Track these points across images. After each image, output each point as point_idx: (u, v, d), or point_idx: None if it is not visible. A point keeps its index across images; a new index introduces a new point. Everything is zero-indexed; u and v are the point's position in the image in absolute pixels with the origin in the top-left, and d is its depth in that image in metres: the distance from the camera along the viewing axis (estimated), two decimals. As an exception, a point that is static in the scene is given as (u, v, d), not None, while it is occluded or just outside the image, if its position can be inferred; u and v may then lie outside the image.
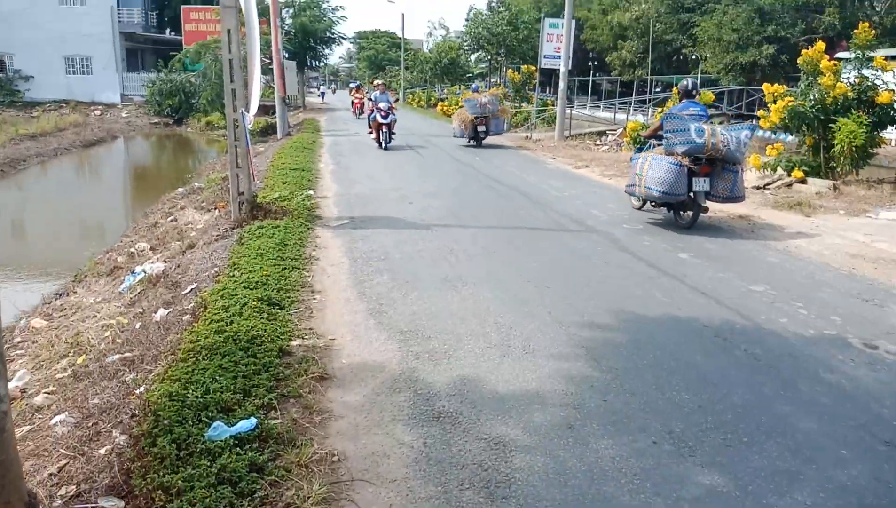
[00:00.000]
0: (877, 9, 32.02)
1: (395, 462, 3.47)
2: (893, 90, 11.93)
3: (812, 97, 12.39)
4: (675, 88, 12.10)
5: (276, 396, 4.06)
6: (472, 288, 6.31)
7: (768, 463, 3.49)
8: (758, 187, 12.10)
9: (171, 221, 11.38)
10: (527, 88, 32.17)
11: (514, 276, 6.76)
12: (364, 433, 3.77)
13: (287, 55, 31.19)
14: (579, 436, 3.72)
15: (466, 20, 38.35)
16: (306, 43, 40.68)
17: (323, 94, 61.30)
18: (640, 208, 10.14)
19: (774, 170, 12.61)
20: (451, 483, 3.28)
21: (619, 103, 35.94)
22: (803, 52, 13.18)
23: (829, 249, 7.98)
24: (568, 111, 24.34)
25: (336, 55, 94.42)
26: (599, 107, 40.16)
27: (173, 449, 3.38)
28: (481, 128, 19.40)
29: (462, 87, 45.62)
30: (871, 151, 12.10)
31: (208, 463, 3.27)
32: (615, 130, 23.44)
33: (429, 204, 10.57)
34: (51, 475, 3.51)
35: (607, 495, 3.22)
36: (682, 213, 9.10)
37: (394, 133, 18.80)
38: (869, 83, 12.20)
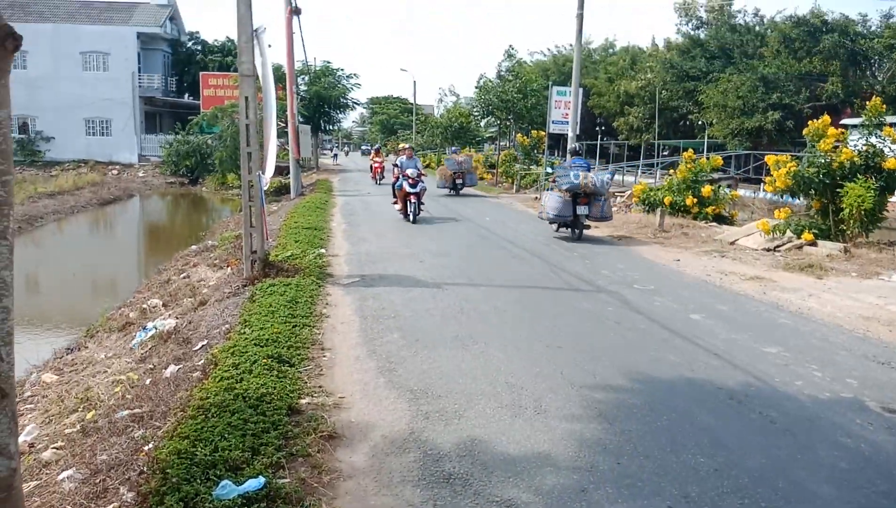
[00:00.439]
0: (878, 78, 32.55)
1: (405, 524, 3.41)
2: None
3: (817, 163, 12.59)
4: (686, 152, 17.04)
5: (285, 455, 4.02)
6: (483, 347, 6.28)
7: (787, 530, 3.41)
8: (768, 250, 12.10)
9: (184, 277, 11.45)
10: (536, 151, 32.64)
11: (525, 335, 6.73)
12: (373, 494, 3.71)
13: (302, 119, 31.88)
14: (593, 500, 3.64)
15: (476, 87, 39.14)
16: (321, 108, 41.59)
17: (336, 155, 62.33)
18: (549, 223, 14.14)
19: (783, 232, 12.65)
20: (463, 546, 3.21)
21: (626, 166, 36.34)
22: (810, 123, 13.48)
23: (842, 311, 7.92)
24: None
25: (349, 119, 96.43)
26: (607, 170, 40.56)
27: (181, 508, 3.34)
28: (459, 180, 24.30)
29: (472, 150, 46.30)
30: (880, 214, 12.20)
31: (216, 523, 3.22)
32: (623, 193, 23.63)
33: (439, 262, 10.62)
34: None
35: (622, 560, 3.14)
36: (574, 230, 13.52)
37: (423, 203, 16.36)
38: (876, 150, 12.42)
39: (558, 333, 6.83)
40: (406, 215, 15.95)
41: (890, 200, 12.70)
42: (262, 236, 9.19)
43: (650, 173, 32.79)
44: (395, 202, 16.60)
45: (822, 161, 12.55)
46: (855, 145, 12.79)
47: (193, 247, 15.09)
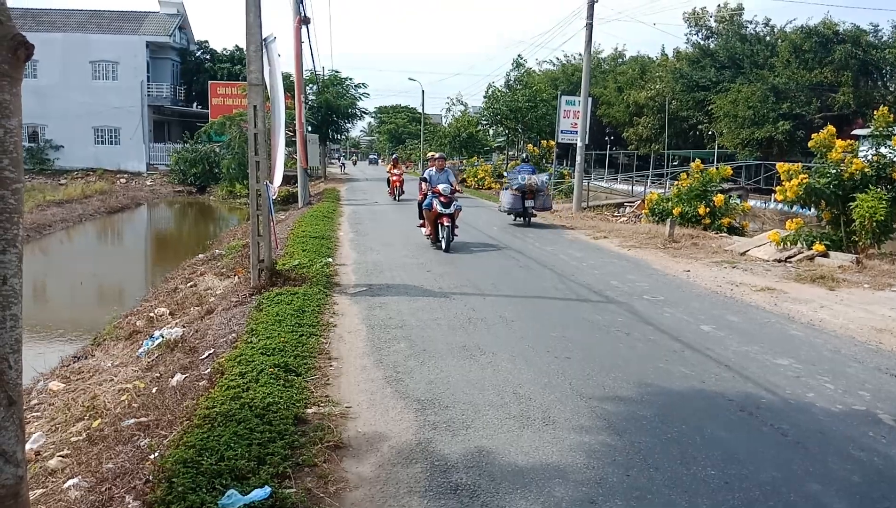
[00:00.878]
0: (890, 88, 32.42)
1: (412, 536, 3.37)
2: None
3: (827, 174, 12.52)
4: (694, 163, 18.74)
5: (291, 464, 3.99)
6: (491, 357, 6.24)
7: (801, 545, 3.35)
8: (779, 261, 12.02)
9: (191, 286, 11.47)
10: (545, 160, 32.66)
11: (534, 346, 6.69)
12: (379, 505, 3.67)
13: (310, 128, 31.99)
14: (602, 512, 3.60)
15: (485, 96, 39.24)
16: (329, 117, 41.79)
17: (343, 165, 62.60)
18: (507, 214, 18.19)
19: (795, 243, 12.57)
20: (470, 559, 3.16)
21: (636, 176, 36.26)
22: (814, 135, 13.44)
23: (854, 322, 7.84)
24: (585, 183, 24.58)
25: (357, 128, 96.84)
26: (616, 179, 40.54)
27: (186, 517, 3.31)
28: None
29: (480, 159, 46.41)
30: (892, 225, 12.10)
31: (221, 533, 3.19)
32: (633, 202, 23.57)
33: (446, 271, 10.59)
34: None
35: (632, 575, 3.09)
36: (524, 218, 17.61)
37: (457, 227, 13.42)
38: (887, 160, 12.34)
39: (567, 343, 6.78)
40: (436, 242, 13.11)
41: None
42: (269, 246, 9.20)
43: (660, 184, 32.73)
44: (422, 225, 13.68)
45: (834, 172, 12.49)
46: (865, 156, 12.72)
47: (200, 256, 15.13)
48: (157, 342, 7.57)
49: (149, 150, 46.35)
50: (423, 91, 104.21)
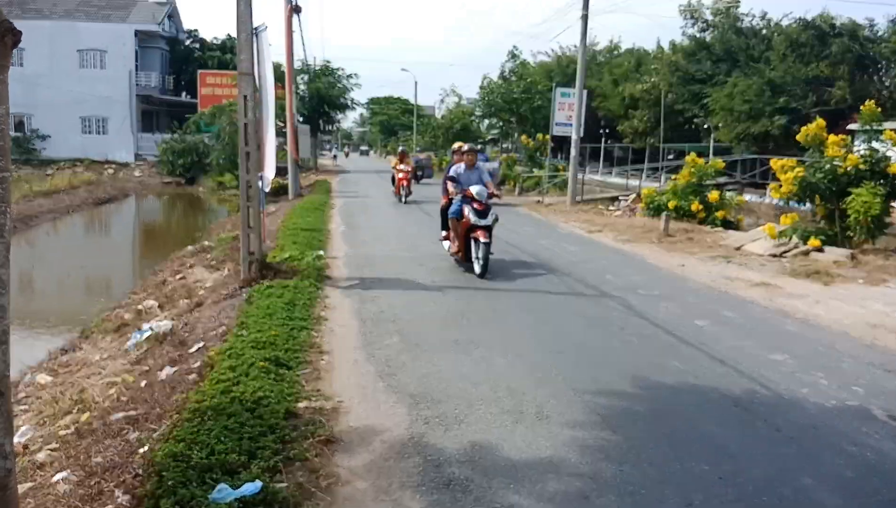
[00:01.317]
0: (886, 83, 32.47)
1: (404, 532, 3.33)
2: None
3: (822, 169, 12.51)
4: (688, 156, 17.79)
5: (282, 459, 3.94)
6: (484, 352, 6.21)
7: (795, 541, 3.33)
8: (774, 255, 12.02)
9: (180, 279, 11.38)
10: (539, 153, 32.59)
11: (528, 340, 6.66)
12: (371, 499, 3.64)
13: (301, 119, 31.83)
14: (595, 507, 3.57)
15: (480, 88, 39.15)
16: (320, 108, 41.59)
17: (335, 156, 62.38)
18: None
19: (790, 238, 12.57)
20: (463, 556, 3.13)
21: (631, 170, 36.23)
22: (803, 128, 13.43)
23: (848, 318, 7.84)
24: (580, 177, 24.55)
25: (349, 119, 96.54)
26: (611, 173, 40.54)
27: (176, 512, 3.27)
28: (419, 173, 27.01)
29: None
30: (886, 220, 12.12)
31: (210, 529, 3.15)
32: (628, 196, 23.57)
33: (439, 265, 10.54)
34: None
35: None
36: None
37: (490, 245, 9.60)
38: (880, 155, 12.33)
39: (561, 338, 6.76)
40: (466, 261, 10.05)
41: (895, 205, 12.63)
42: (259, 238, 9.12)
43: (655, 177, 32.72)
44: (447, 238, 10.69)
45: (829, 167, 12.48)
46: (859, 151, 12.71)
47: (189, 248, 15.00)
48: (145, 335, 7.49)
49: (137, 140, 45.90)
50: (415, 82, 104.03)
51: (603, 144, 45.77)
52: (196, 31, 55.04)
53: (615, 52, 53.76)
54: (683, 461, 4.13)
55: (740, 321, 7.64)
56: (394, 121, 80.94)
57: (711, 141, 35.78)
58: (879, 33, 31.87)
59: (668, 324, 7.39)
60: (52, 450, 4.76)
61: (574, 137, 22.71)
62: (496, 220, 9.85)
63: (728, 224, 16.87)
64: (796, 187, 12.77)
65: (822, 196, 12.68)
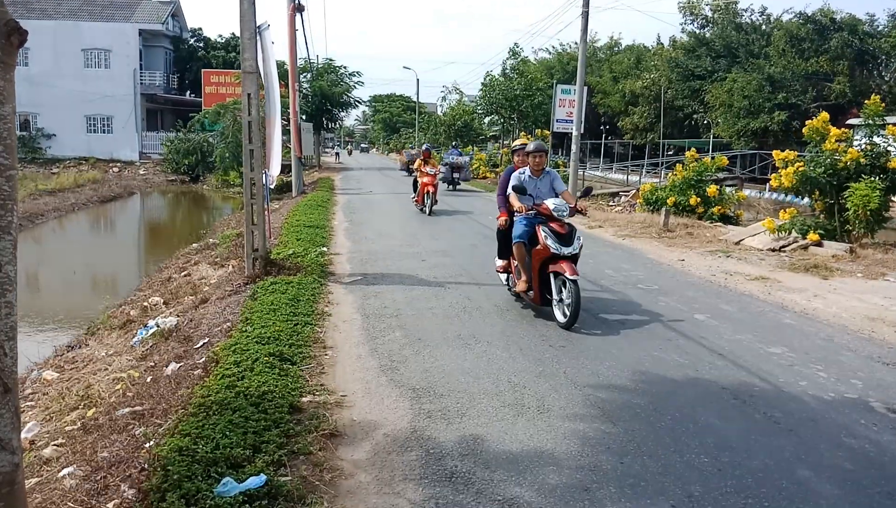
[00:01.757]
0: (885, 78, 32.38)
1: (407, 523, 3.38)
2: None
3: (822, 163, 12.53)
4: (689, 152, 18.23)
5: (286, 452, 4.00)
6: (486, 346, 6.26)
7: (793, 531, 3.38)
8: (773, 250, 12.05)
9: (185, 275, 11.44)
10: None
11: (529, 335, 6.70)
12: (374, 492, 3.69)
13: (304, 117, 31.83)
14: (595, 499, 3.62)
15: (483, 85, 39.12)
16: (323, 106, 41.56)
17: (338, 154, 62.39)
18: (442, 182, 21.38)
19: (789, 233, 12.60)
20: (465, 546, 3.18)
21: (631, 166, 36.21)
22: (808, 122, 13.44)
23: (847, 311, 7.88)
24: (580, 173, 24.55)
25: (352, 117, 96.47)
26: (612, 169, 40.50)
27: (182, 505, 3.33)
28: (412, 166, 27.01)
29: (475, 148, 46.35)
30: (885, 214, 12.13)
31: (217, 520, 3.20)
32: (628, 192, 23.57)
33: (440, 261, 10.58)
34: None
35: (626, 561, 3.11)
36: (452, 186, 25.34)
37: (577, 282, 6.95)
38: (881, 149, 12.35)
39: (562, 332, 6.80)
40: (539, 304, 7.36)
41: (894, 199, 12.64)
42: (263, 235, 9.17)
43: (655, 173, 32.69)
44: (506, 268, 8.16)
45: (828, 161, 12.50)
46: (859, 145, 12.73)
47: (194, 245, 15.08)
48: (151, 331, 7.55)
49: (141, 138, 46.08)
50: (417, 79, 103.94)
51: (603, 141, 45.76)
52: (200, 29, 55.16)
53: (615, 49, 53.74)
54: (683, 453, 4.17)
55: (739, 315, 7.68)
56: (396, 118, 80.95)
57: (711, 137, 35.75)
58: (880, 28, 31.80)
59: (667, 318, 7.42)
60: (58, 445, 4.82)
61: (574, 133, 22.70)
62: (581, 247, 7.33)
63: (728, 219, 16.89)
64: (796, 181, 12.79)
65: (821, 190, 12.70)
